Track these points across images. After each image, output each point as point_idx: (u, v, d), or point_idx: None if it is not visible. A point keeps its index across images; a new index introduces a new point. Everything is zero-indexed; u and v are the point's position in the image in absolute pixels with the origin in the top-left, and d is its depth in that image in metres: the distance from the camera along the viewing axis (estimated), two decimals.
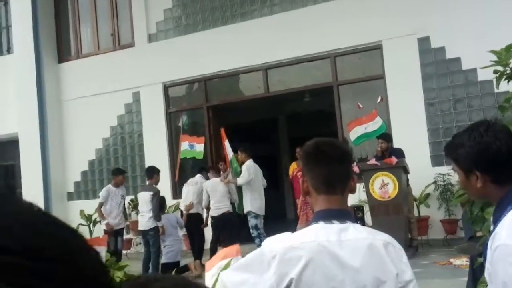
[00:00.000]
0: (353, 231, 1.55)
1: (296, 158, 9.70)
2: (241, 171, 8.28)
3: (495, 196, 1.66)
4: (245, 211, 8.09)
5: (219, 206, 7.94)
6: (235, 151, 8.63)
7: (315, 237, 1.53)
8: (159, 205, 7.77)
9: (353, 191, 1.70)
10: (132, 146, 11.40)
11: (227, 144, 8.78)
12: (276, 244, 1.54)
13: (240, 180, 8.07)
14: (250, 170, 7.96)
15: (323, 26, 9.58)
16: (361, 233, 1.56)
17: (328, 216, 1.58)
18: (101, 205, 8.10)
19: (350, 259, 1.50)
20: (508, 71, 2.30)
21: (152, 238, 7.65)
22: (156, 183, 7.92)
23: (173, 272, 6.13)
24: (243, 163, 8.16)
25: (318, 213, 1.61)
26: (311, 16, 9.77)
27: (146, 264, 7.63)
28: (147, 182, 8.08)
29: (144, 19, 11.36)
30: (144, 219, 7.73)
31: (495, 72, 2.36)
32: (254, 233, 7.87)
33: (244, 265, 1.57)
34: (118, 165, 11.27)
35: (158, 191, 7.79)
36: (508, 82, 2.36)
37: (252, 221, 7.99)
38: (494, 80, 2.64)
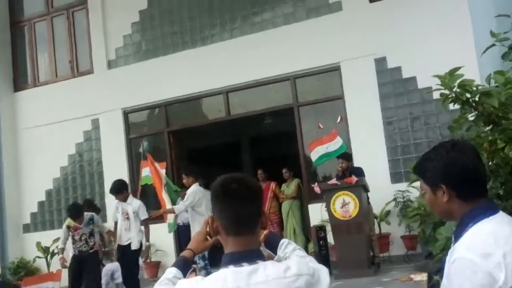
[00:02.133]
0: (262, 272, 1.52)
1: (258, 180, 9.70)
2: (181, 192, 7.93)
3: (459, 212, 1.68)
4: None
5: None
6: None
7: (223, 284, 1.50)
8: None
9: (265, 227, 1.69)
10: (91, 174, 11.19)
11: (157, 166, 8.07)
12: None
13: (179, 207, 7.35)
14: (195, 196, 7.19)
15: (282, 49, 9.70)
16: (270, 274, 1.52)
17: (237, 259, 1.55)
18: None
19: None
20: (453, 94, 2.38)
21: None
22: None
23: None
24: (188, 187, 7.52)
25: (228, 256, 1.58)
26: (270, 39, 9.89)
27: None
28: None
29: (103, 46, 11.28)
30: None
31: (441, 95, 2.44)
32: (200, 263, 6.95)
33: None
34: (77, 194, 11.07)
35: None
36: (453, 104, 2.45)
37: None
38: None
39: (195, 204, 7.19)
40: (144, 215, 7.30)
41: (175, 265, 1.77)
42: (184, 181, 7.57)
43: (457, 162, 1.67)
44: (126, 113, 11.06)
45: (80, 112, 11.18)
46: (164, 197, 7.83)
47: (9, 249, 11.05)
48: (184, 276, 1.74)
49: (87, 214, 7.55)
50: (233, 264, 1.54)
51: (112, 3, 11.32)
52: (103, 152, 11.07)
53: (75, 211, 7.43)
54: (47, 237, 10.55)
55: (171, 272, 1.73)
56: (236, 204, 1.57)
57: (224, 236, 1.60)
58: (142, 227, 7.35)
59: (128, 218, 7.29)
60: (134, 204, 7.33)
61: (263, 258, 1.59)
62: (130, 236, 7.27)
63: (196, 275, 1.66)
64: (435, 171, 1.69)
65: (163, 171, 8.55)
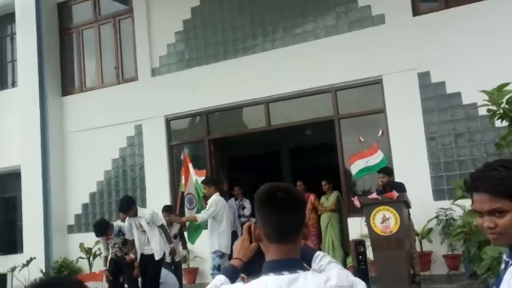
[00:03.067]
0: (303, 282, 1.53)
1: None
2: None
3: None
4: (212, 249, 7.31)
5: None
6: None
7: None
8: None
9: (306, 238, 1.70)
10: (133, 178, 11.41)
11: (191, 168, 8.19)
12: None
13: (202, 216, 7.33)
14: (217, 205, 7.29)
15: (324, 60, 9.69)
16: (310, 284, 1.53)
17: (278, 267, 1.56)
18: None
19: None
20: (501, 111, 2.33)
21: None
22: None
23: None
24: (209, 197, 7.46)
25: (268, 263, 1.59)
26: (312, 50, 9.88)
27: None
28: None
29: (148, 54, 11.53)
30: None
31: (488, 110, 2.39)
32: (214, 274, 6.93)
33: None
34: (119, 198, 11.23)
35: None
36: (501, 121, 2.39)
37: (216, 261, 7.20)
38: None
39: (216, 214, 7.30)
40: (159, 220, 7.43)
41: (224, 272, 1.81)
42: (205, 191, 7.56)
43: None
44: (168, 120, 11.26)
45: (124, 118, 11.45)
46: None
47: (53, 249, 11.38)
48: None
49: (117, 225, 7.66)
50: (273, 272, 1.55)
51: (156, 13, 11.57)
52: (145, 157, 11.28)
53: (98, 229, 7.66)
54: (90, 239, 10.77)
55: (220, 279, 1.76)
56: (281, 212, 1.58)
57: (266, 243, 1.62)
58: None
59: (144, 231, 7.31)
60: (146, 215, 7.37)
61: (303, 267, 1.60)
62: (151, 247, 7.30)
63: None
64: None
65: (200, 179, 8.65)
